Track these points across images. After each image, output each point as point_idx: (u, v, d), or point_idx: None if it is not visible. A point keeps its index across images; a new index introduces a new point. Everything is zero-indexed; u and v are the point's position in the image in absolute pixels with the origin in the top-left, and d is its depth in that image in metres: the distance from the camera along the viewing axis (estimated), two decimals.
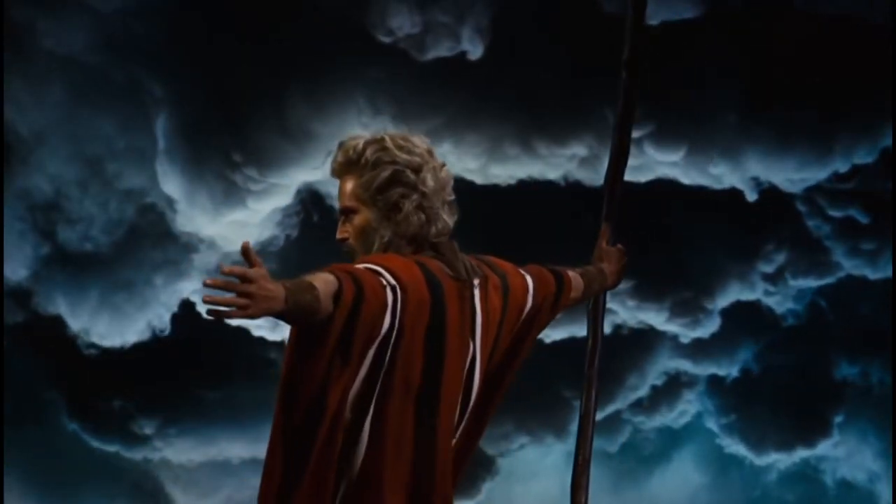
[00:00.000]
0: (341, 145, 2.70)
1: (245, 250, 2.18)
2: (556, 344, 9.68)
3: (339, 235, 2.71)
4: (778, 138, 9.82)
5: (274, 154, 9.80)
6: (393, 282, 2.48)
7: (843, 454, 11.05)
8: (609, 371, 10.38)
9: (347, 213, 2.69)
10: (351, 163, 2.67)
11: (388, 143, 2.64)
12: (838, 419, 10.94)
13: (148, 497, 10.90)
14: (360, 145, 2.66)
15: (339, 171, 2.70)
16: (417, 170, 2.64)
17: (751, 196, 10.19)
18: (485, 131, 9.82)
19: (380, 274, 2.48)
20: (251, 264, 2.18)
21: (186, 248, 10.17)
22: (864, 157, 9.95)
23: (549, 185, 10.16)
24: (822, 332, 10.84)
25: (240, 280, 2.14)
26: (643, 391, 11.02)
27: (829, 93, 9.52)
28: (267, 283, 2.18)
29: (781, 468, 11.18)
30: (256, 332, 10.08)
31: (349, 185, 2.68)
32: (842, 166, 9.99)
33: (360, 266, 2.50)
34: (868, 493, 11.06)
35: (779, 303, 10.74)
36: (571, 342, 9.68)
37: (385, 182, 2.63)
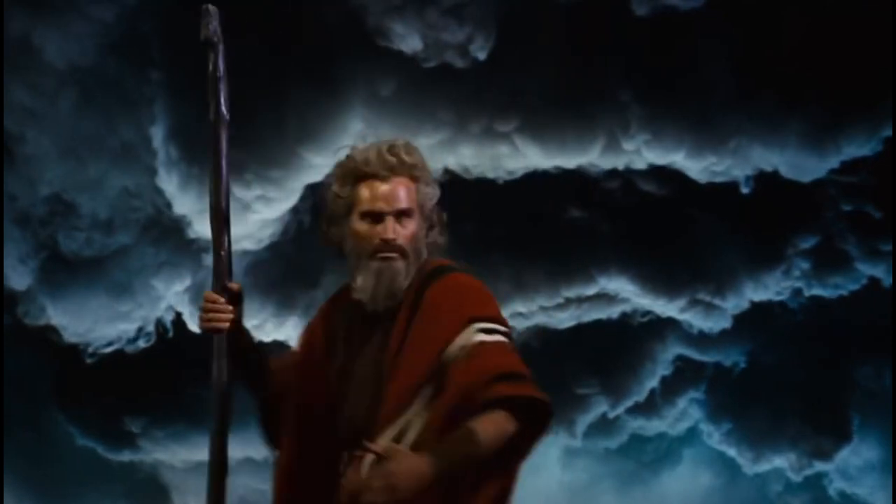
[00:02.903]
0: (392, 145, 2.57)
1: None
2: (561, 335, 9.55)
3: (390, 235, 2.53)
4: (780, 133, 9.77)
5: (274, 157, 9.76)
6: None
7: (851, 457, 10.95)
8: (617, 365, 10.36)
9: (403, 215, 2.55)
10: (415, 167, 2.56)
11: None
12: (854, 424, 10.85)
13: (143, 498, 10.96)
14: (418, 153, 2.58)
15: (399, 170, 2.55)
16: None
17: (760, 194, 10.10)
18: (484, 140, 9.76)
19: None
20: None
21: (185, 251, 10.14)
22: (869, 151, 9.88)
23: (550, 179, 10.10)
24: (832, 331, 10.76)
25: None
26: (653, 382, 10.89)
27: (833, 87, 9.46)
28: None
29: (788, 472, 11.09)
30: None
31: (407, 188, 2.55)
32: (849, 160, 9.92)
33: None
34: (870, 496, 10.98)
35: (791, 300, 10.66)
36: (577, 334, 9.68)
37: (435, 199, 2.60)
